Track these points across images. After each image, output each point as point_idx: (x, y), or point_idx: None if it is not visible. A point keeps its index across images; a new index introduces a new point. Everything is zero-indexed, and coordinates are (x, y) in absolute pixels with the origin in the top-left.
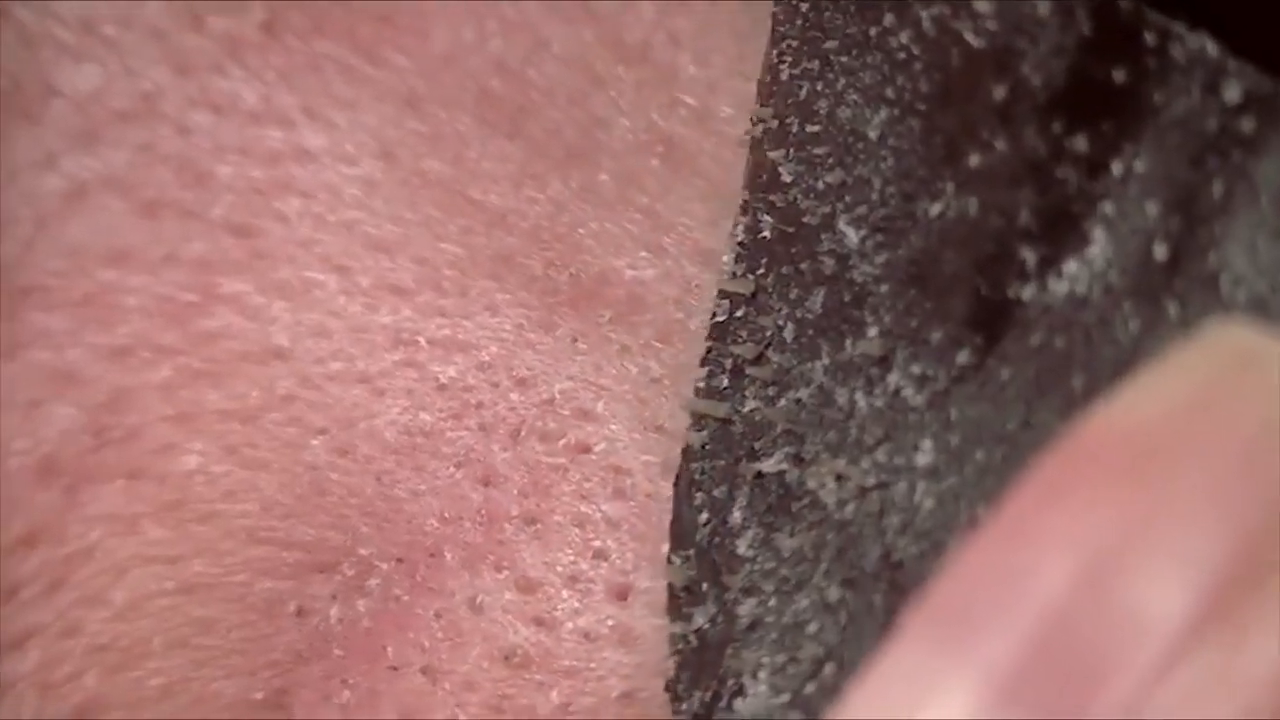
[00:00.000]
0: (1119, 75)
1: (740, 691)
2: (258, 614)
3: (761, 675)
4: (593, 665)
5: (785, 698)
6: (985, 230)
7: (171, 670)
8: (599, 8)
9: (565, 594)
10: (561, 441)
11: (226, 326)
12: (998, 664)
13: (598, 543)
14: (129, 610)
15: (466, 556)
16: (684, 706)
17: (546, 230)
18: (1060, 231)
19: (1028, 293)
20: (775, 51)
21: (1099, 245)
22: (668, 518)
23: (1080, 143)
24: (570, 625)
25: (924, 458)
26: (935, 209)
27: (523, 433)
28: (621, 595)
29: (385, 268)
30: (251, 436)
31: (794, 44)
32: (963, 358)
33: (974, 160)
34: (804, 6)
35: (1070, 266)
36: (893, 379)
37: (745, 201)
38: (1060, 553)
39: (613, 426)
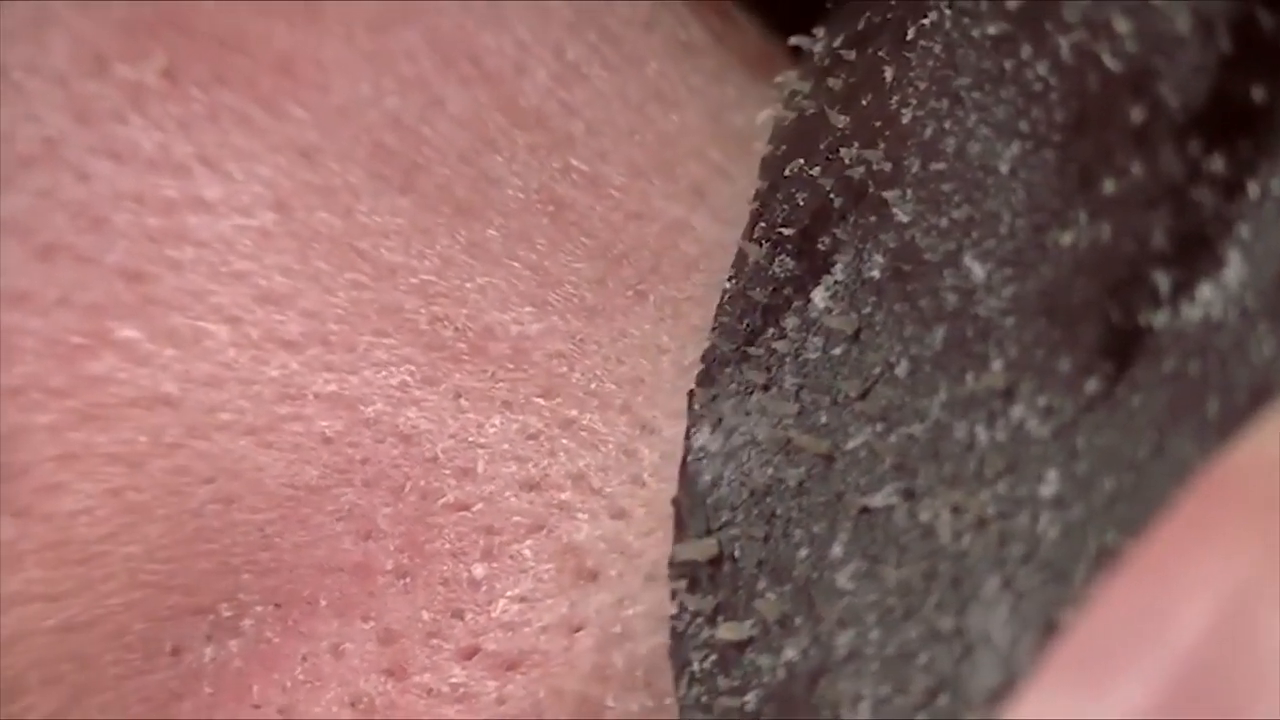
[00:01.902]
0: (1258, 94)
1: None
2: (135, 653)
3: (862, 707)
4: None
5: None
6: (1118, 257)
7: (47, 706)
8: (495, 72)
9: (419, 650)
10: (441, 501)
11: (116, 371)
12: (1139, 708)
13: (458, 602)
14: (8, 645)
15: (339, 605)
16: None
17: (433, 285)
18: (1194, 255)
19: (1160, 319)
20: (896, 98)
21: (1234, 268)
22: (527, 580)
23: (1217, 163)
24: (416, 680)
25: (1049, 488)
26: (1067, 238)
27: (405, 489)
28: (468, 656)
29: (275, 320)
30: (137, 481)
31: (921, 86)
32: (1091, 387)
33: (1108, 187)
34: (936, 48)
35: (1204, 291)
36: (1016, 411)
37: (834, 243)
38: (1203, 592)
39: (489, 487)
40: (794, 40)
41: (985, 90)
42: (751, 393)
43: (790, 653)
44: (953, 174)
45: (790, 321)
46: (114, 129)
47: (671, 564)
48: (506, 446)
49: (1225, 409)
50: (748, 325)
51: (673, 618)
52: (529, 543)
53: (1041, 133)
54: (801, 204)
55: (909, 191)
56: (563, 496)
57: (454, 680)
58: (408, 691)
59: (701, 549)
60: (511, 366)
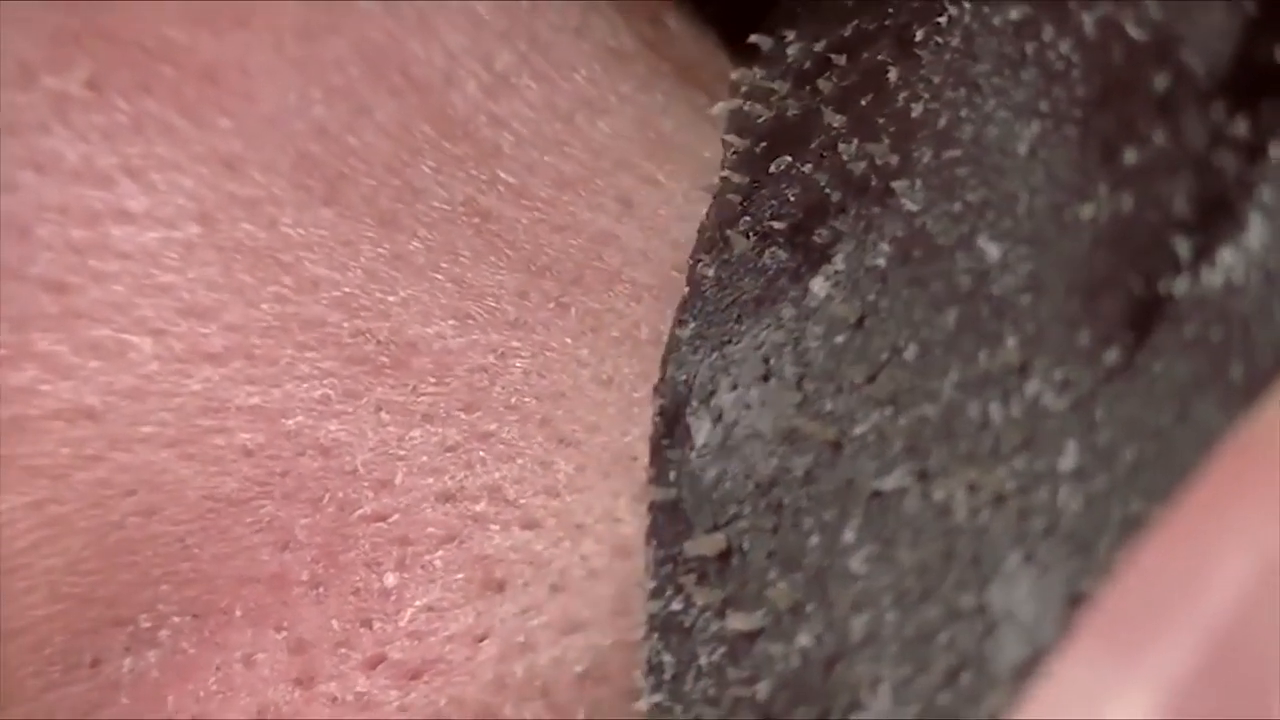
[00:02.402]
0: None
1: (856, 705)
2: (55, 665)
3: (882, 689)
4: None
5: (913, 709)
6: (1139, 226)
7: None
8: (424, 82)
9: (327, 659)
10: (358, 512)
11: (38, 383)
12: (1174, 673)
13: (368, 611)
14: None
15: (254, 616)
16: None
17: (356, 298)
18: (1215, 220)
19: (1181, 286)
20: (903, 95)
21: (1256, 231)
22: (435, 589)
23: (1240, 126)
24: (322, 689)
25: (1068, 461)
26: (1087, 212)
27: (324, 501)
28: (374, 664)
29: (199, 333)
30: (59, 493)
31: (935, 80)
32: (1110, 358)
33: (1130, 157)
34: (954, 41)
35: (1225, 255)
36: (1032, 386)
37: (833, 235)
38: (1239, 554)
39: (406, 498)
40: (755, 38)
41: (1005, 75)
42: (750, 385)
43: (803, 639)
44: (968, 159)
45: (786, 312)
46: (38, 140)
47: (679, 560)
48: (425, 459)
49: (1250, 372)
50: (737, 316)
51: (678, 614)
52: (440, 553)
53: (1062, 110)
54: (793, 199)
55: (919, 181)
56: (477, 508)
57: (358, 689)
58: (313, 700)
59: (710, 544)
60: (433, 380)
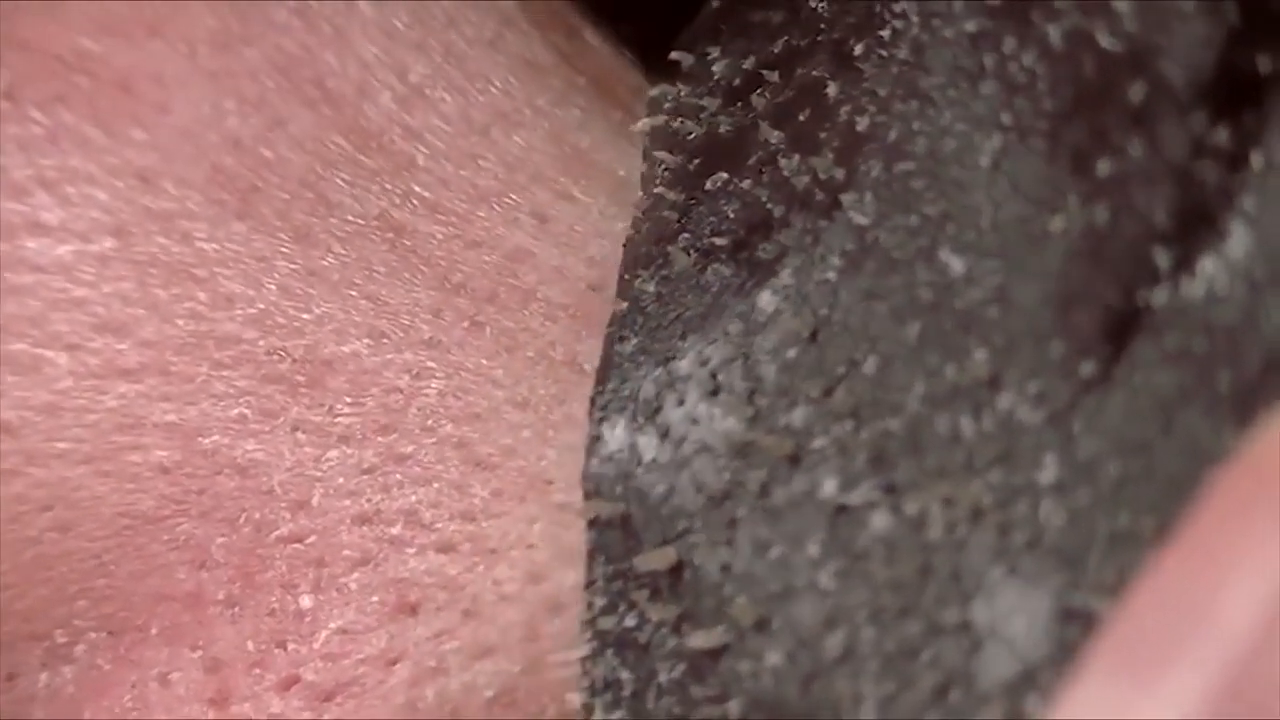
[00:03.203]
0: (1264, 64)
1: None
2: None
3: (865, 707)
4: None
5: None
6: (1115, 238)
7: None
8: (338, 94)
9: (241, 679)
10: (275, 533)
11: None
12: (1189, 701)
13: (283, 633)
14: None
15: (170, 634)
16: None
17: (271, 315)
18: (1195, 230)
19: (1160, 296)
20: (846, 109)
21: (1238, 240)
22: (350, 611)
23: (1220, 136)
24: (235, 709)
25: (1048, 474)
26: (1058, 224)
27: (241, 520)
28: (288, 686)
29: (114, 349)
30: None
31: (882, 93)
32: (1087, 370)
33: (1103, 168)
34: (900, 54)
35: (1206, 265)
36: (1004, 400)
37: (778, 250)
38: (1253, 577)
39: (323, 520)
40: (675, 55)
41: (961, 88)
42: (698, 401)
43: (774, 657)
44: (923, 172)
45: (733, 327)
46: None
47: (629, 575)
48: (342, 480)
49: (1237, 382)
50: (681, 333)
51: (633, 629)
52: (356, 575)
53: (1027, 123)
54: (732, 215)
55: (868, 194)
56: (393, 531)
57: (272, 711)
58: None
59: (660, 558)
60: (349, 400)
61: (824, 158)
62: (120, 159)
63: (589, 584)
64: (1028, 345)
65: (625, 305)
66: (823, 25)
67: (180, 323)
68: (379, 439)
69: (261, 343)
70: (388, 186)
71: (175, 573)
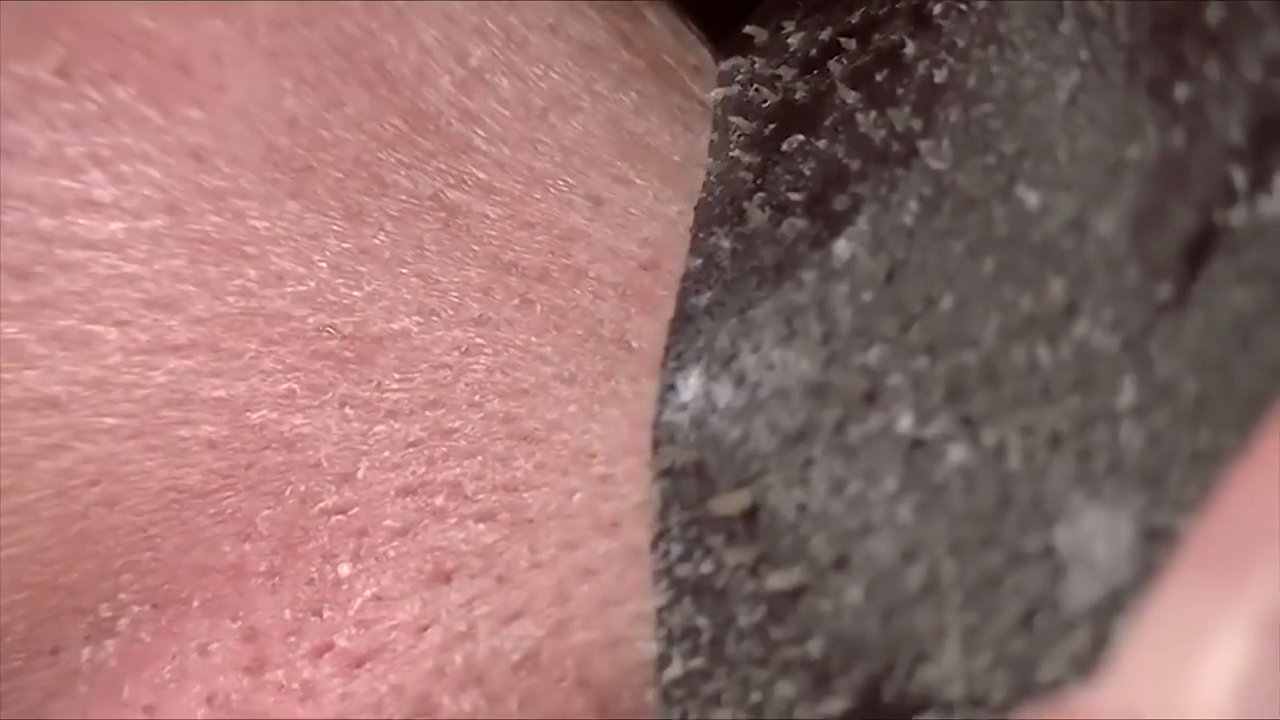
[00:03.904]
0: None
1: (922, 657)
2: (16, 653)
3: (949, 639)
4: (276, 718)
5: (986, 657)
6: (1191, 161)
7: None
8: (397, 75)
9: (277, 647)
10: (319, 505)
11: (2, 372)
12: (1273, 609)
13: (319, 601)
14: None
15: (211, 606)
16: (836, 684)
17: (322, 292)
18: (1272, 148)
19: (1237, 216)
20: (923, 64)
21: None
22: (386, 579)
23: None
24: (269, 677)
25: (1126, 398)
26: (1134, 153)
27: (286, 494)
28: (321, 652)
29: (164, 325)
30: (23, 482)
31: (960, 43)
32: (1163, 293)
33: (1180, 93)
34: (980, 4)
35: None
36: (1080, 327)
37: (853, 200)
38: None
39: (367, 492)
40: (750, 29)
41: (1039, 28)
42: (774, 347)
43: (854, 594)
44: (1000, 113)
45: (809, 275)
46: (6, 127)
47: (704, 521)
48: (388, 454)
49: None
50: (757, 284)
51: (710, 575)
52: (395, 544)
53: (1104, 56)
54: (808, 173)
55: (945, 140)
56: (436, 502)
57: (304, 677)
58: (261, 689)
59: (735, 501)
60: (398, 376)
61: (901, 110)
62: (174, 137)
63: (663, 533)
64: (1103, 272)
65: (700, 261)
66: None
67: (230, 299)
68: (426, 413)
69: (311, 320)
70: (443, 168)
71: (220, 545)
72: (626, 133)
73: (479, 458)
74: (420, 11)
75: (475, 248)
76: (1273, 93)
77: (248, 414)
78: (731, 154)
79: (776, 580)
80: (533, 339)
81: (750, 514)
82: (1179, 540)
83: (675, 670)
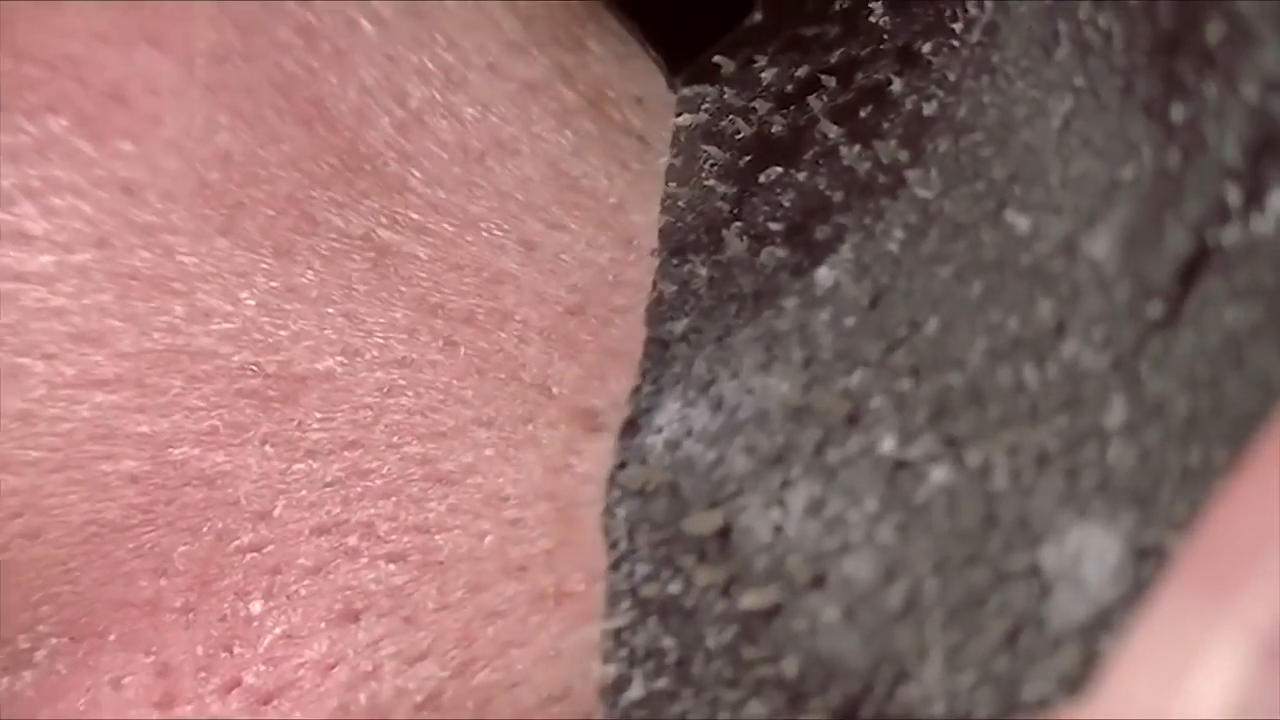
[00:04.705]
0: None
1: (903, 677)
2: None
3: (931, 657)
4: None
5: (969, 675)
6: (1186, 180)
7: None
8: (337, 116)
9: (188, 683)
10: (235, 543)
11: None
12: (1266, 626)
13: (231, 637)
14: None
15: (127, 639)
16: (812, 704)
17: (247, 330)
18: (1266, 165)
19: (1230, 234)
20: (911, 99)
21: None
22: (296, 617)
23: None
24: (178, 712)
25: (1115, 416)
26: (1128, 173)
27: (204, 530)
28: (230, 689)
29: (91, 360)
30: None
31: (951, 77)
32: (1154, 312)
33: (1177, 113)
34: (972, 38)
35: (1276, 200)
36: (1069, 347)
37: (837, 230)
38: None
39: (283, 530)
40: (717, 60)
41: (1034, 57)
42: (753, 373)
43: (830, 614)
44: (991, 141)
45: (789, 303)
46: None
47: (676, 541)
48: (305, 493)
49: None
50: (735, 311)
51: (678, 595)
52: (307, 583)
53: (1100, 80)
54: (788, 204)
55: (933, 170)
56: (349, 541)
57: (212, 712)
58: None
59: (708, 521)
60: (320, 416)
61: (887, 143)
62: (107, 170)
63: (628, 553)
64: (1094, 292)
65: (675, 288)
66: (885, 35)
67: (157, 335)
68: (345, 454)
69: (236, 358)
70: (376, 207)
71: (137, 580)
72: (564, 175)
73: (394, 499)
74: (362, 51)
75: (403, 288)
76: (1270, 111)
77: (170, 450)
78: (706, 183)
79: (750, 599)
80: (454, 382)
81: (723, 533)
82: (1169, 558)
83: (636, 692)
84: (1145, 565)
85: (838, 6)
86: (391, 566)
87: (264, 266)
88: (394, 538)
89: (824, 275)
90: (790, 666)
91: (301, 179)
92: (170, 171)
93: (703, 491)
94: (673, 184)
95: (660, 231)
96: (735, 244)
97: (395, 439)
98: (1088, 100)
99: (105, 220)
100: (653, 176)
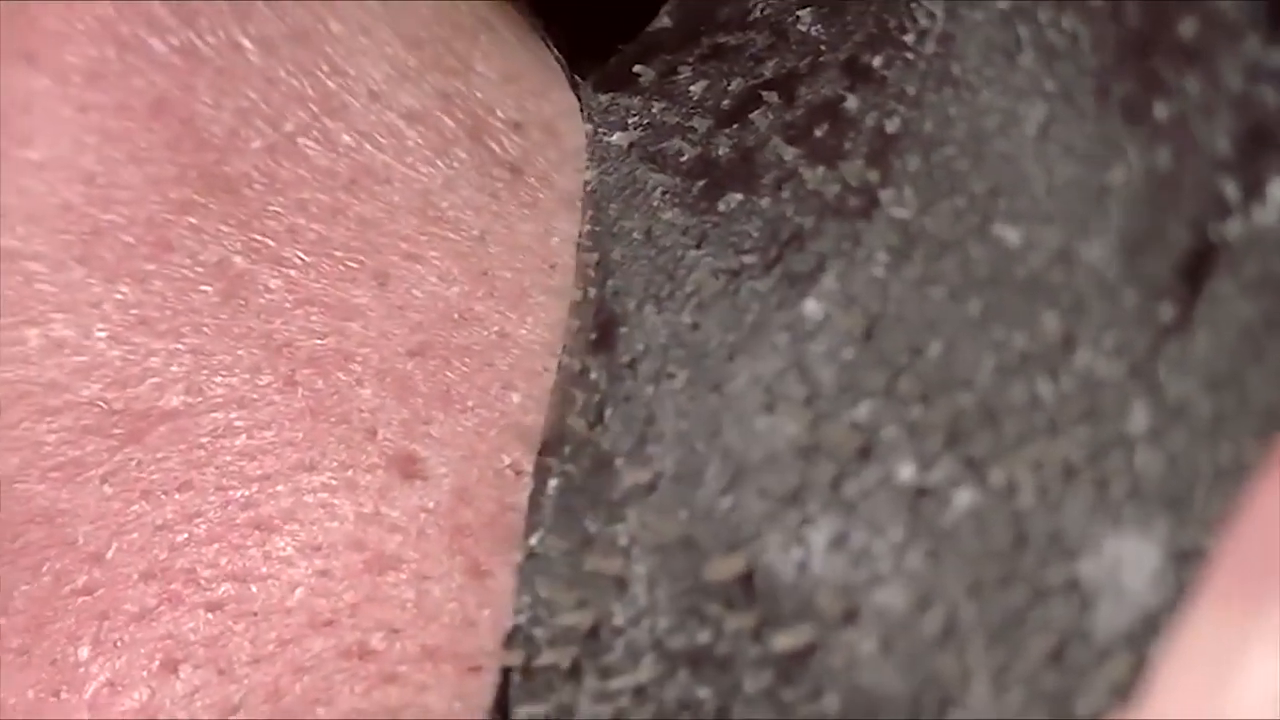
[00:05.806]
0: None
1: (949, 703)
2: None
3: (976, 681)
4: None
5: (1017, 695)
6: (1179, 178)
7: None
8: (208, 138)
9: None
10: (70, 585)
11: None
12: None
13: (59, 682)
14: None
15: None
16: None
17: (97, 363)
18: (1261, 156)
19: (1233, 229)
20: (871, 116)
21: None
22: (120, 665)
23: (1277, 57)
24: None
25: (1138, 423)
26: (1116, 176)
27: (43, 570)
28: None
29: None
30: None
31: (911, 91)
32: (1165, 315)
33: (1160, 111)
34: (927, 50)
35: (1275, 189)
36: (1081, 357)
37: (816, 259)
38: None
39: (114, 574)
40: (636, 69)
41: (996, 64)
42: (755, 416)
43: (867, 646)
44: (965, 154)
45: (780, 339)
46: None
47: (698, 590)
48: (136, 535)
49: None
50: (728, 356)
51: (708, 645)
52: (132, 630)
53: (1071, 85)
54: (756, 234)
55: (907, 188)
56: (173, 588)
57: None
58: None
59: (728, 565)
60: (159, 455)
61: (852, 163)
62: None
63: (647, 610)
64: (1099, 300)
65: (662, 339)
66: (823, 47)
67: (8, 368)
68: (177, 496)
69: (85, 392)
70: (233, 233)
71: None
72: (432, 207)
73: (216, 545)
74: (242, 73)
75: (252, 324)
76: (1257, 100)
77: (15, 485)
78: (662, 216)
79: (783, 640)
80: (287, 423)
81: (746, 577)
82: (1208, 558)
83: None
84: (1185, 567)
85: (758, 13)
86: (210, 615)
87: (117, 297)
88: (213, 585)
89: (812, 308)
90: (831, 704)
91: (162, 202)
92: (36, 194)
93: (720, 537)
94: (613, 208)
95: (615, 265)
96: (711, 283)
97: (224, 481)
98: (1061, 105)
99: None
100: (519, 205)
